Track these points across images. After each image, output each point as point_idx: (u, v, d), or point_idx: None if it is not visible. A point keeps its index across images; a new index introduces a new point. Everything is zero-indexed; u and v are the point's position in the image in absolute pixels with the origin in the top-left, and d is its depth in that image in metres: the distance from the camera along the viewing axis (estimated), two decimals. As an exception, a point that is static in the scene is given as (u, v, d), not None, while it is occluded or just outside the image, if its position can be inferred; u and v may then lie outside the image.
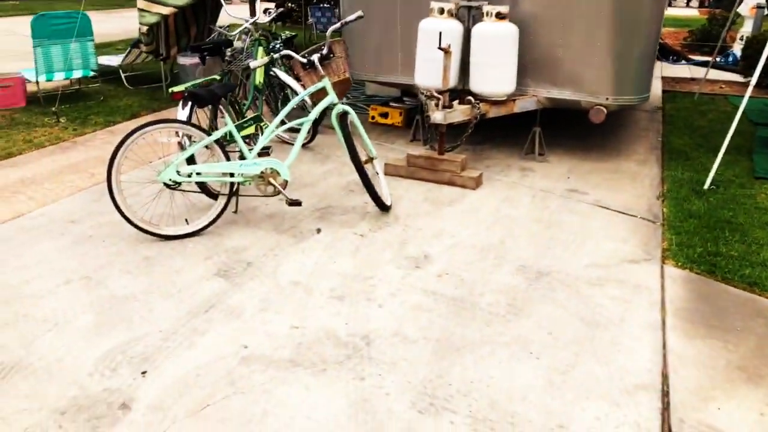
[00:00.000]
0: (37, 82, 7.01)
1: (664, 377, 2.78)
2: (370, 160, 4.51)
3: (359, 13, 4.26)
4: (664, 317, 3.23)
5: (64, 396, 2.61)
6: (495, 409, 2.57)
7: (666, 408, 2.59)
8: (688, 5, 27.87)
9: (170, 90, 4.41)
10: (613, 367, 2.83)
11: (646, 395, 2.66)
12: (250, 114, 5.26)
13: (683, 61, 11.52)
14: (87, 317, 3.16)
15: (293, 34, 6.28)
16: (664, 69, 10.51)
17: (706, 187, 4.91)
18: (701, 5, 26.56)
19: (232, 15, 5.97)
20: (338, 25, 4.35)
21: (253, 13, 12.01)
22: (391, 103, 6.85)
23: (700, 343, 3.02)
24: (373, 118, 6.82)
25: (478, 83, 5.31)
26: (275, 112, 6.09)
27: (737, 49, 11.15)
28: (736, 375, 2.81)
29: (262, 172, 4.04)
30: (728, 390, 2.71)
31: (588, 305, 3.33)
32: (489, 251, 3.91)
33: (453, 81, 5.27)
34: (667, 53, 11.56)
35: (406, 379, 2.74)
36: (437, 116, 4.94)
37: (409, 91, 6.33)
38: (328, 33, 4.33)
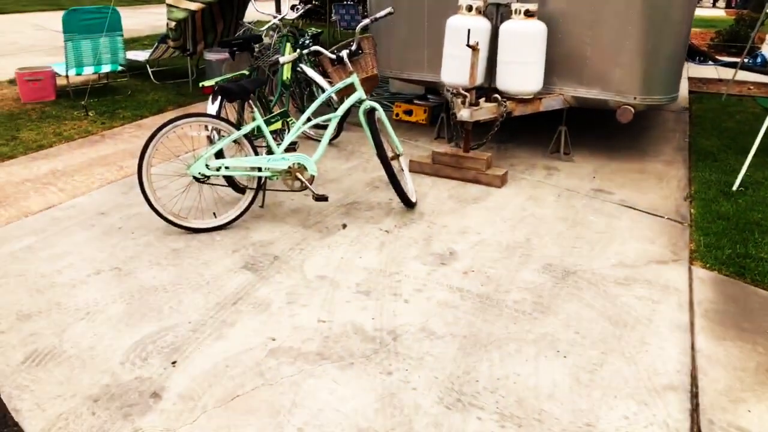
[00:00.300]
0: (67, 76, 7.12)
1: (693, 378, 2.76)
2: (396, 156, 4.53)
3: (389, 9, 4.26)
4: (692, 318, 3.21)
5: (96, 384, 2.65)
6: (522, 406, 2.57)
7: (695, 409, 2.58)
8: (714, 5, 27.50)
9: (201, 84, 4.46)
10: (641, 366, 2.82)
11: (675, 396, 2.64)
12: (276, 109, 5.31)
13: (710, 62, 11.37)
14: (118, 307, 3.21)
15: (319, 30, 6.32)
16: (690, 70, 10.38)
17: (734, 188, 4.85)
18: (728, 6, 26.20)
19: (259, 11, 6.02)
20: (367, 21, 4.35)
21: (279, 9, 12.08)
22: (415, 101, 6.85)
23: (729, 345, 3.00)
24: (397, 115, 6.83)
25: (504, 81, 5.29)
26: (300, 108, 6.13)
27: (766, 50, 10.98)
28: (766, 377, 2.78)
29: (289, 167, 4.07)
30: (758, 392, 2.68)
31: (615, 305, 3.31)
32: (514, 249, 3.91)
33: (480, 78, 5.26)
34: (693, 54, 11.41)
35: (433, 374, 2.75)
36: (464, 113, 4.93)
37: (435, 88, 6.33)
38: (357, 29, 4.34)
